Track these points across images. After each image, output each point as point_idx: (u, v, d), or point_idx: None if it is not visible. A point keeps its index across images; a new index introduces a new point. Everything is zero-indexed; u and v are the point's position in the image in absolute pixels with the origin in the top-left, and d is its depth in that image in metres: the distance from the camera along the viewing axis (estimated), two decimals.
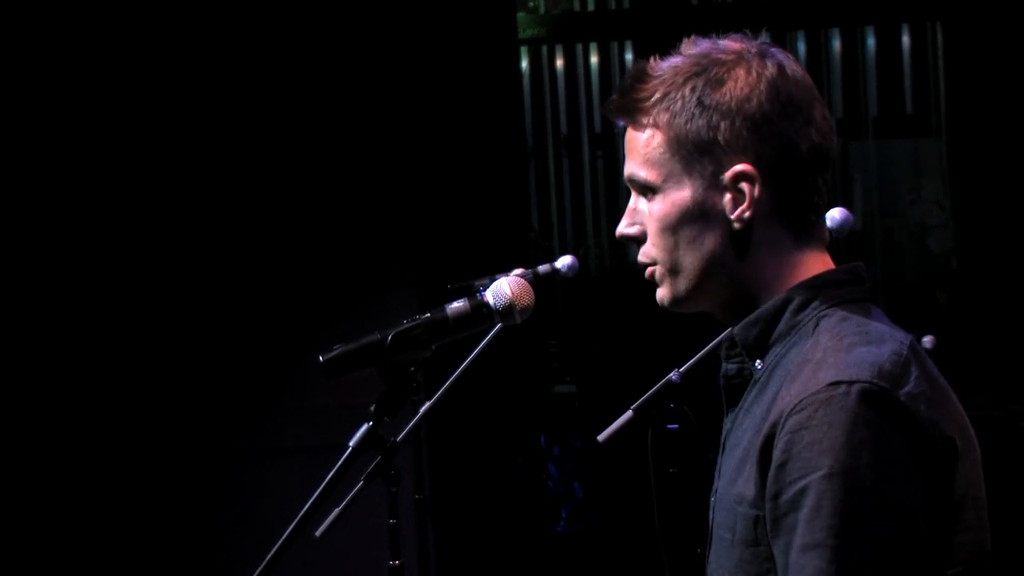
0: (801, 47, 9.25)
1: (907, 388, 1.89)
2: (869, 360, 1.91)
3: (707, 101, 2.03)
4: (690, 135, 2.04)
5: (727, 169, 2.03)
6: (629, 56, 9.14)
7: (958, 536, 1.92)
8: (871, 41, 9.33)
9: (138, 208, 6.08)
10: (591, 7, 9.29)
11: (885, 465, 1.84)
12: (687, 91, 2.04)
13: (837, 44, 9.33)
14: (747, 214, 2.03)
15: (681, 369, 3.55)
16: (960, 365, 6.76)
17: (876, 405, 1.86)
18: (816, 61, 9.27)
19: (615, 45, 9.33)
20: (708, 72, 2.04)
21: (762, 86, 2.02)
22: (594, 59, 9.38)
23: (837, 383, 1.88)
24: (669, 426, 3.58)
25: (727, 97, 2.02)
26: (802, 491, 1.85)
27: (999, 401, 6.35)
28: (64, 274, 5.99)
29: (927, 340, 4.98)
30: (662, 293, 2.12)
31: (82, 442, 6.00)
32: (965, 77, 8.02)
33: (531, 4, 9.10)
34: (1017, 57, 7.58)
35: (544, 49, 9.38)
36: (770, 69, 2.04)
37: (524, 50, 8.95)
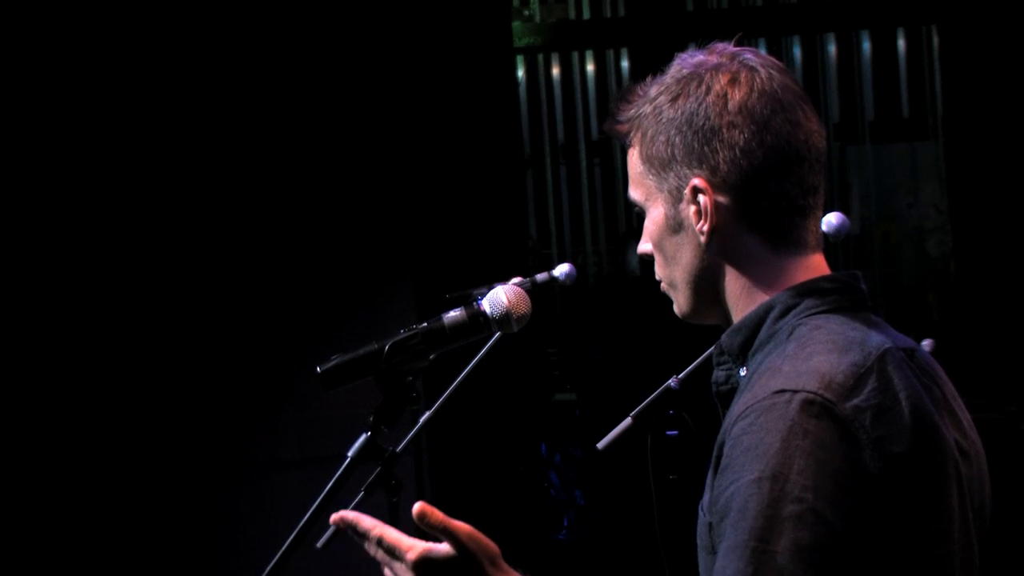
0: (797, 52, 9.25)
1: (854, 400, 1.89)
2: (822, 370, 1.91)
3: (663, 117, 2.07)
4: (655, 153, 2.09)
5: (687, 183, 2.06)
6: (625, 64, 9.15)
7: (920, 550, 1.90)
8: (867, 45, 9.34)
9: (138, 217, 6.08)
10: (586, 15, 9.29)
11: (815, 474, 1.84)
12: (650, 109, 2.09)
13: (833, 49, 9.33)
14: (706, 226, 2.06)
15: (680, 376, 3.55)
16: (959, 368, 6.75)
17: (816, 416, 1.87)
18: (812, 66, 9.28)
19: (611, 53, 9.33)
20: (668, 90, 2.08)
21: (710, 98, 2.05)
22: (590, 67, 9.39)
23: (782, 391, 1.89)
24: (668, 433, 3.58)
25: (679, 112, 2.06)
26: (734, 495, 1.86)
27: (998, 403, 6.35)
28: (63, 283, 5.99)
29: (926, 343, 4.98)
30: (675, 307, 2.18)
31: (83, 452, 6.00)
32: (961, 80, 8.02)
33: (526, 13, 9.10)
34: (1013, 60, 7.58)
35: (540, 58, 9.39)
36: (721, 80, 2.06)
37: (520, 59, 8.96)
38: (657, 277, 2.16)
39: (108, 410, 6.02)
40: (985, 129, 7.73)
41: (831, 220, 3.70)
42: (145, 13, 6.04)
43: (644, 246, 2.17)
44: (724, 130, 2.03)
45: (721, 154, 2.03)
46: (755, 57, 2.09)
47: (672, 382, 3.55)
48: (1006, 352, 7.32)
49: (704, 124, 2.04)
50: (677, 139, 2.05)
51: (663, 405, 3.53)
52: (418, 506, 1.90)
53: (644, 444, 3.53)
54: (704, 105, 2.04)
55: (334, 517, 1.97)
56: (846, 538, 1.84)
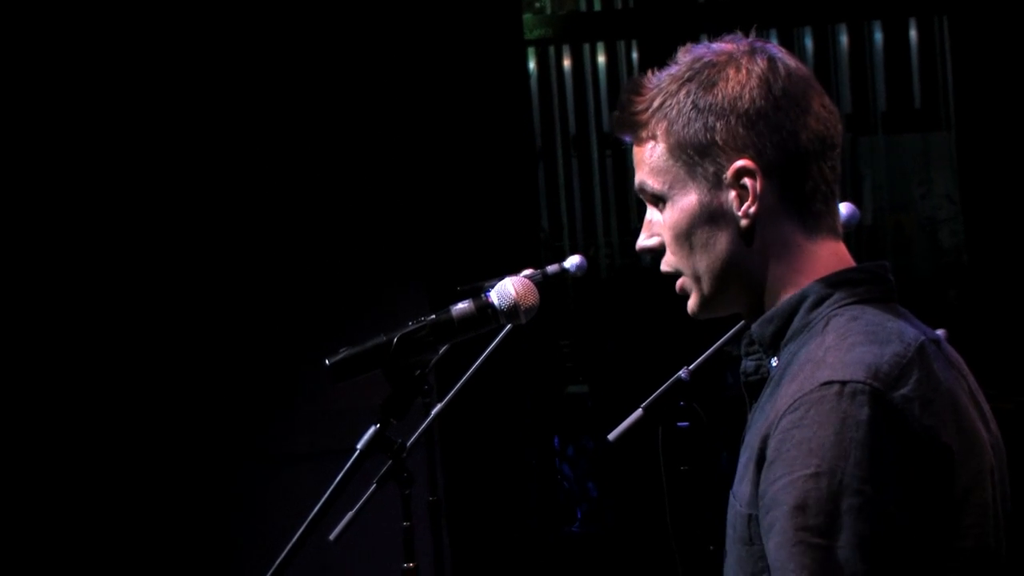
0: (808, 43, 9.23)
1: (903, 391, 1.89)
2: (867, 360, 1.91)
3: (701, 104, 2.05)
4: (689, 139, 2.06)
5: (728, 168, 2.05)
6: (636, 55, 9.14)
7: (958, 541, 1.91)
8: (878, 36, 9.32)
9: (151, 213, 6.09)
10: (597, 7, 9.28)
11: (872, 466, 1.84)
12: (681, 96, 2.07)
13: (844, 39, 9.31)
14: (752, 209, 2.05)
15: (691, 367, 3.55)
16: (972, 358, 6.75)
17: (867, 406, 1.87)
18: (824, 57, 9.26)
19: (622, 44, 9.32)
20: (700, 75, 2.06)
21: (752, 82, 2.04)
22: (601, 59, 9.37)
23: (831, 383, 1.89)
24: (679, 424, 3.58)
25: (719, 97, 2.05)
26: (786, 489, 1.86)
27: (1010, 394, 6.34)
28: (75, 280, 6.00)
29: (939, 333, 4.97)
30: (692, 303, 2.14)
31: (95, 447, 6.01)
32: (973, 70, 8.00)
33: (537, 5, 9.10)
34: None
35: (551, 50, 9.37)
36: (760, 65, 2.06)
37: (531, 51, 8.95)
38: (671, 269, 2.13)
39: (120, 405, 6.03)
40: (997, 119, 7.72)
41: (842, 210, 3.67)
42: (145, 13, 6.04)
43: (650, 240, 2.14)
44: (770, 112, 2.03)
45: (767, 137, 2.03)
46: (775, 47, 2.11)
47: (683, 373, 3.55)
48: (1018, 342, 7.31)
49: (750, 108, 2.03)
50: (718, 124, 2.04)
51: (674, 396, 3.53)
52: None
53: (655, 436, 3.53)
54: (748, 89, 2.04)
55: None
56: (906, 529, 1.85)
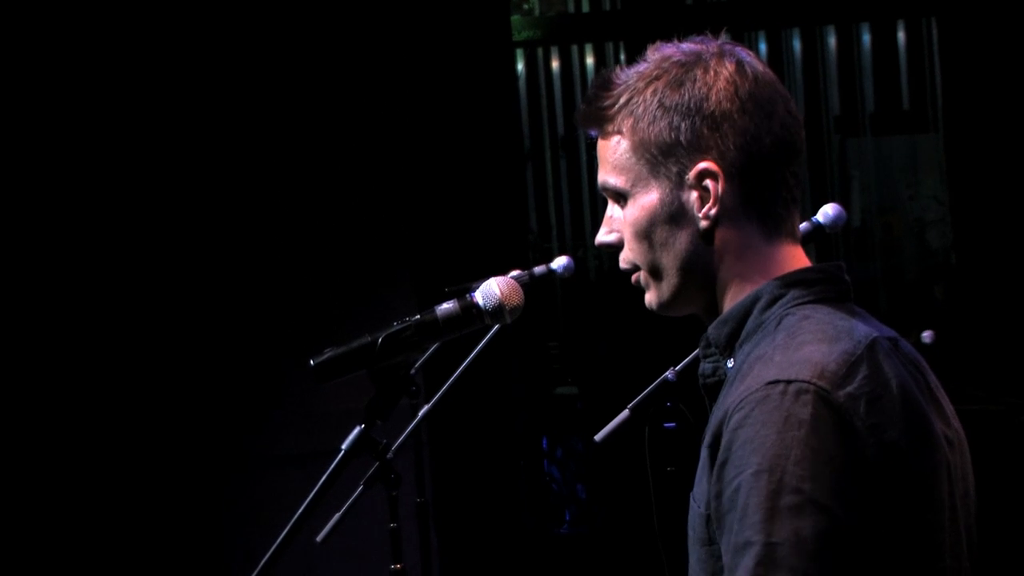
0: (796, 44, 9.24)
1: (848, 388, 1.90)
2: (814, 359, 1.92)
3: (667, 103, 2.06)
4: (653, 138, 2.07)
5: (691, 168, 2.06)
6: (624, 57, 9.14)
7: (913, 538, 1.91)
8: (866, 38, 9.33)
9: (135, 216, 6.08)
10: (585, 9, 9.28)
11: (814, 465, 1.85)
12: (648, 95, 2.08)
13: (833, 41, 9.32)
14: (713, 211, 2.06)
15: (677, 368, 3.55)
16: (960, 360, 6.76)
17: (811, 404, 1.87)
18: (812, 59, 9.27)
19: (610, 46, 9.32)
20: (668, 74, 2.07)
21: (720, 84, 2.06)
22: (590, 60, 9.38)
23: (776, 382, 1.90)
24: (666, 425, 3.58)
25: (686, 97, 2.06)
26: (736, 490, 1.87)
27: (999, 395, 6.35)
28: (61, 279, 5.99)
29: (927, 335, 4.98)
30: (649, 297, 2.15)
31: (83, 450, 6.00)
32: (961, 72, 8.01)
33: (525, 6, 9.10)
34: (1013, 51, 7.58)
35: (539, 51, 9.38)
36: (728, 67, 2.07)
37: (519, 52, 8.95)
38: (630, 263, 2.13)
39: (106, 407, 6.02)
40: (985, 121, 7.73)
41: (828, 211, 3.70)
42: (145, 13, 6.04)
43: (609, 236, 2.15)
44: (736, 116, 2.04)
45: (731, 139, 2.04)
46: (744, 51, 2.11)
47: (669, 374, 3.55)
48: (1006, 344, 7.32)
49: (715, 109, 2.04)
50: (683, 124, 2.05)
51: (661, 397, 3.53)
52: None
53: (642, 436, 3.53)
54: (715, 91, 2.05)
55: None
56: (849, 526, 1.85)
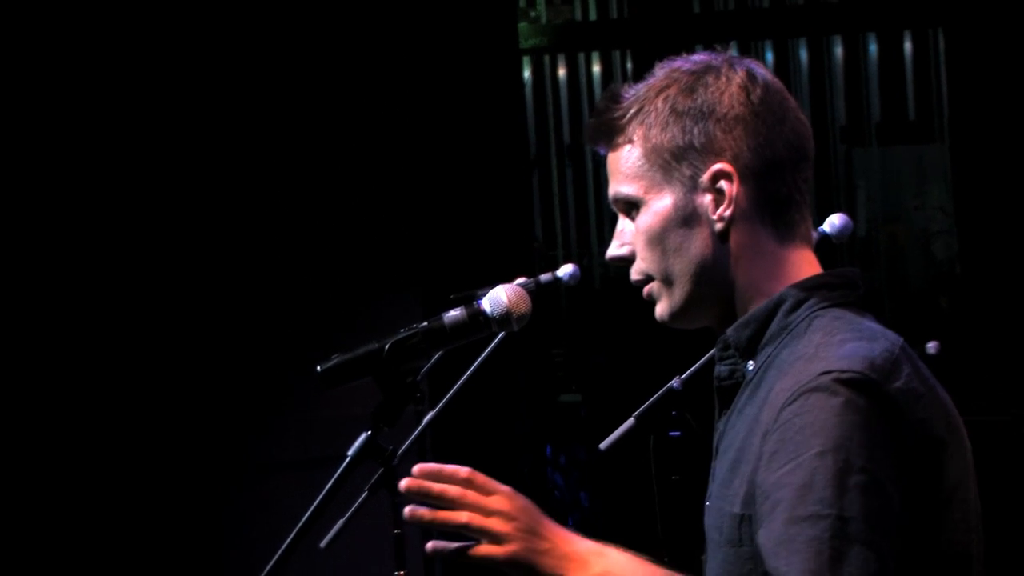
0: (804, 54, 9.25)
1: (897, 384, 1.92)
2: (861, 354, 1.93)
3: (679, 108, 2.07)
4: (665, 143, 2.08)
5: (704, 171, 2.07)
6: (630, 65, 9.14)
7: (945, 535, 1.94)
8: (873, 48, 9.33)
9: (141, 219, 6.08)
10: (592, 17, 9.29)
11: (874, 447, 1.86)
12: (659, 102, 2.09)
13: (839, 51, 9.33)
14: (728, 212, 2.07)
15: (682, 376, 3.55)
16: (965, 370, 6.75)
17: (866, 394, 1.89)
18: (819, 68, 9.28)
19: (617, 54, 9.33)
20: (679, 82, 2.09)
21: (732, 88, 2.07)
22: (596, 68, 9.39)
23: (828, 372, 1.91)
24: (671, 433, 3.59)
25: (699, 102, 2.07)
26: (792, 471, 1.87)
27: (1004, 406, 6.35)
28: (64, 282, 5.98)
29: (932, 346, 4.98)
30: (660, 308, 2.15)
31: (85, 454, 5.99)
32: (967, 83, 8.02)
33: (533, 14, 9.11)
34: (1020, 62, 7.58)
35: (546, 59, 9.39)
36: (739, 74, 2.08)
37: (526, 60, 8.96)
38: (643, 274, 2.13)
39: (109, 412, 6.02)
40: (991, 132, 7.74)
41: (834, 221, 3.71)
42: (146, 13, 6.03)
43: (621, 250, 2.15)
44: (749, 119, 2.06)
45: (745, 142, 2.05)
46: (753, 62, 2.13)
47: (675, 383, 3.55)
48: (1011, 355, 7.31)
49: (728, 113, 2.06)
50: (696, 128, 2.06)
51: (666, 406, 3.54)
52: (466, 469, 2.01)
53: (647, 445, 3.53)
54: (728, 95, 2.06)
55: (415, 470, 2.02)
56: (901, 511, 1.87)
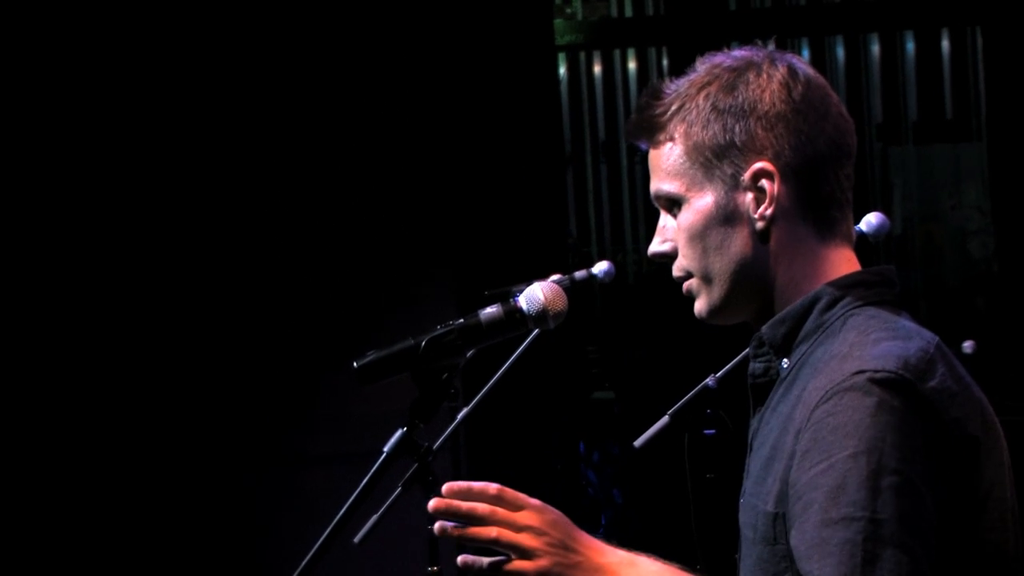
0: (840, 52, 9.20)
1: (932, 383, 1.91)
2: (895, 353, 1.93)
3: (721, 105, 2.07)
4: (707, 141, 2.08)
5: (746, 169, 2.06)
6: (666, 62, 9.12)
7: (982, 534, 1.93)
8: (910, 46, 9.28)
9: (177, 215, 6.10)
10: (628, 13, 9.27)
11: (909, 449, 1.86)
12: (700, 100, 2.08)
13: (876, 49, 9.28)
14: (769, 211, 2.06)
15: (718, 375, 3.54)
16: (1001, 370, 6.72)
17: (901, 394, 1.89)
18: (855, 66, 9.23)
19: (653, 51, 9.31)
20: (720, 79, 2.08)
21: (773, 86, 2.06)
22: (632, 65, 9.36)
23: (861, 371, 1.91)
24: (706, 431, 3.58)
25: (740, 99, 2.07)
26: (825, 472, 1.87)
27: None
28: (96, 282, 6.01)
29: (968, 345, 4.95)
30: (699, 305, 2.15)
31: (117, 449, 6.02)
32: (1005, 81, 7.98)
33: (568, 11, 9.09)
34: None
35: (582, 55, 9.37)
36: (780, 70, 2.08)
37: (562, 56, 8.95)
38: (683, 271, 2.13)
39: (142, 407, 6.04)
40: None
41: (871, 220, 3.69)
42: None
43: (663, 246, 2.15)
44: (790, 116, 2.05)
45: (787, 140, 2.05)
46: (794, 57, 2.12)
47: (710, 381, 3.54)
48: None
49: (770, 110, 2.05)
50: (737, 126, 2.06)
51: (701, 404, 3.53)
52: (495, 486, 1.97)
53: (681, 443, 3.52)
54: (769, 92, 2.06)
55: (444, 489, 2.01)
56: (934, 511, 1.87)
